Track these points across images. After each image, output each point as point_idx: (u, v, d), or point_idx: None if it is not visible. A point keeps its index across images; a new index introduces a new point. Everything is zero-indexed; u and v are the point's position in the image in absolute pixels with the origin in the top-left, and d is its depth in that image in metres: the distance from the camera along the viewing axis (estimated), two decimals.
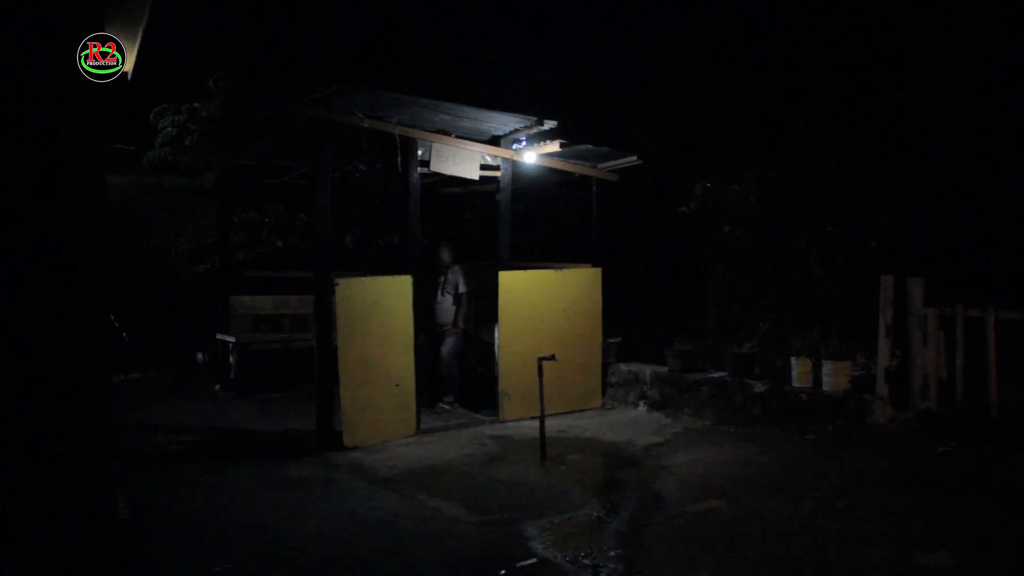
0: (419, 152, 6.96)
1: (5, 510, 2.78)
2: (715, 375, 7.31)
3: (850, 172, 7.31)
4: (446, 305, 7.94)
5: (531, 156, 7.64)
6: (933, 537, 4.02)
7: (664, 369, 7.69)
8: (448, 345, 7.78)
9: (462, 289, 7.87)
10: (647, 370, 7.80)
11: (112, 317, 8.10)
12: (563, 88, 11.60)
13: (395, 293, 6.64)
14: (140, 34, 4.39)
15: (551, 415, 6.59)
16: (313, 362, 6.62)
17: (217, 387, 8.88)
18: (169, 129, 9.49)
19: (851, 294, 7.00)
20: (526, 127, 7.17)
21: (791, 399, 6.64)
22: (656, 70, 10.17)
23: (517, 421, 7.20)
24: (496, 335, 7.33)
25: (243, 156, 8.50)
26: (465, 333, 7.91)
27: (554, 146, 7.49)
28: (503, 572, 3.92)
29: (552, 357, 6.29)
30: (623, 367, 8.05)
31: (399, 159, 6.82)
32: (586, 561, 4.06)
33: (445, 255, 8.06)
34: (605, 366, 8.04)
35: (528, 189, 9.54)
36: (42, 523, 2.81)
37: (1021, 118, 6.93)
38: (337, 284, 6.27)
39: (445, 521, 4.67)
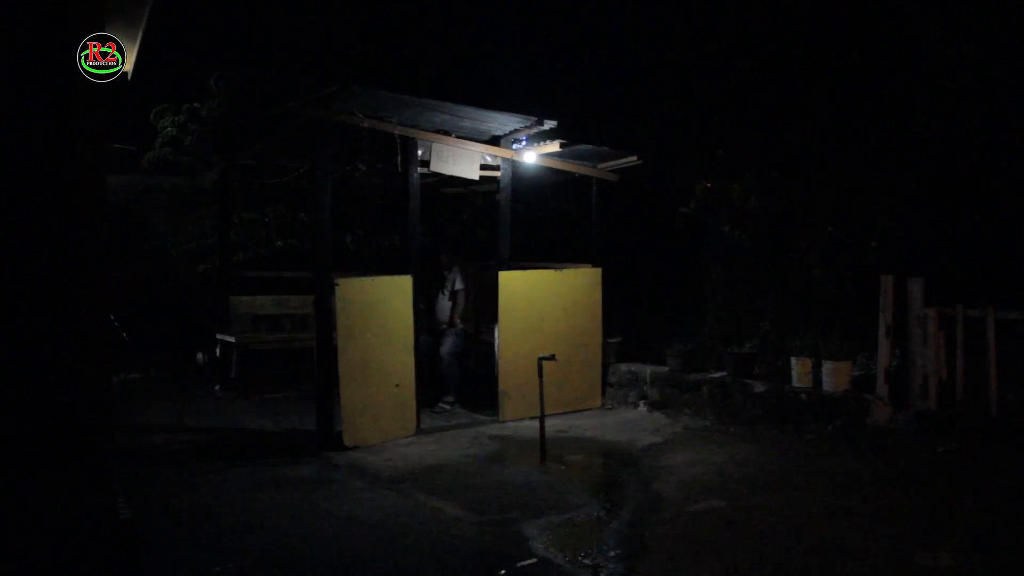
0: (419, 152, 6.96)
1: (5, 510, 2.78)
2: (715, 375, 7.31)
3: (850, 172, 7.31)
4: (444, 304, 7.99)
5: (531, 156, 7.64)
6: (933, 537, 4.02)
7: (664, 369, 7.69)
8: (448, 345, 7.78)
9: (458, 286, 7.90)
10: (647, 370, 7.80)
11: (112, 317, 8.09)
12: (563, 88, 11.60)
13: (395, 293, 6.64)
14: (140, 34, 4.39)
15: (551, 415, 6.59)
16: (313, 362, 6.62)
17: (217, 387, 8.88)
18: (169, 129, 9.48)
19: (851, 294, 6.99)
20: (526, 127, 7.17)
21: (791, 399, 6.64)
22: (656, 70, 10.17)
23: (517, 421, 7.20)
24: (496, 335, 7.33)
25: (243, 156, 8.49)
26: (465, 333, 7.92)
27: (554, 146, 7.49)
28: (503, 572, 3.92)
29: (552, 357, 6.29)
30: (623, 367, 8.05)
31: (399, 159, 6.82)
32: (586, 561, 4.06)
33: (445, 258, 8.12)
34: (605, 366, 8.04)
35: (528, 189, 9.54)
36: (42, 523, 2.81)
37: (1021, 118, 6.93)
38: (337, 284, 6.26)
39: (445, 521, 4.67)
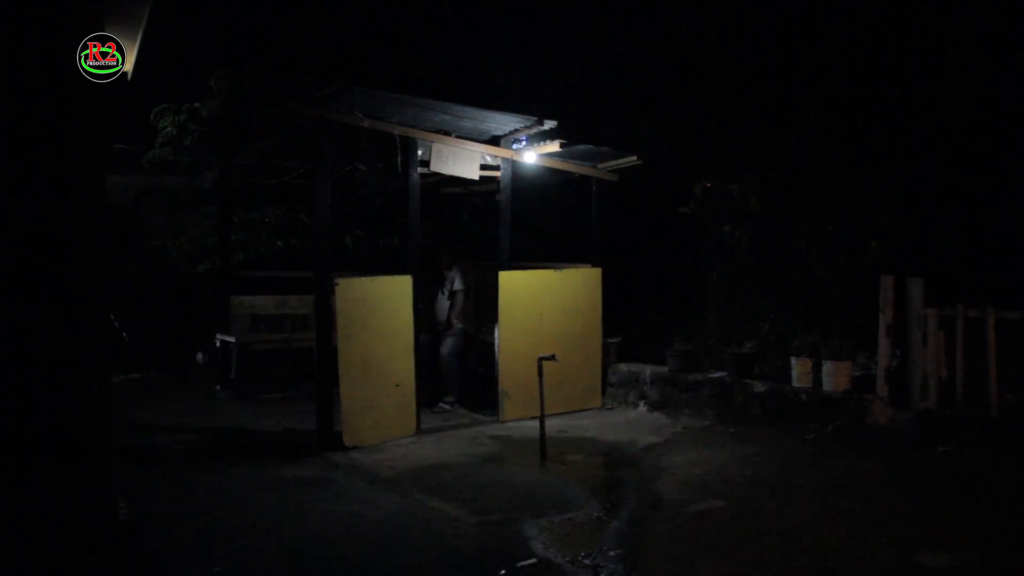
0: (419, 152, 6.96)
1: (5, 510, 2.78)
2: (715, 375, 7.31)
3: (850, 172, 7.31)
4: (444, 304, 8.00)
5: (531, 156, 7.64)
6: (933, 537, 4.02)
7: (664, 369, 7.69)
8: (448, 345, 7.78)
9: (457, 287, 7.91)
10: (647, 370, 7.80)
11: (112, 317, 8.09)
12: (563, 88, 11.61)
13: (395, 293, 6.64)
14: (140, 34, 4.39)
15: (551, 415, 6.59)
16: (313, 362, 6.62)
17: (217, 387, 8.88)
18: (169, 129, 9.48)
19: (851, 294, 6.99)
20: (526, 127, 7.17)
21: (791, 399, 6.64)
22: (656, 70, 10.17)
23: (517, 421, 7.20)
24: (496, 335, 7.33)
25: (243, 156, 8.50)
26: (465, 333, 7.92)
27: (554, 146, 7.49)
28: (503, 572, 3.92)
29: (552, 357, 6.29)
30: (623, 367, 8.05)
31: (399, 159, 6.82)
32: (586, 561, 4.06)
33: (446, 259, 8.13)
34: (605, 366, 8.04)
35: (528, 189, 9.54)
36: (42, 523, 2.81)
37: (1021, 118, 6.93)
38: (337, 284, 6.27)
39: (445, 521, 4.67)
